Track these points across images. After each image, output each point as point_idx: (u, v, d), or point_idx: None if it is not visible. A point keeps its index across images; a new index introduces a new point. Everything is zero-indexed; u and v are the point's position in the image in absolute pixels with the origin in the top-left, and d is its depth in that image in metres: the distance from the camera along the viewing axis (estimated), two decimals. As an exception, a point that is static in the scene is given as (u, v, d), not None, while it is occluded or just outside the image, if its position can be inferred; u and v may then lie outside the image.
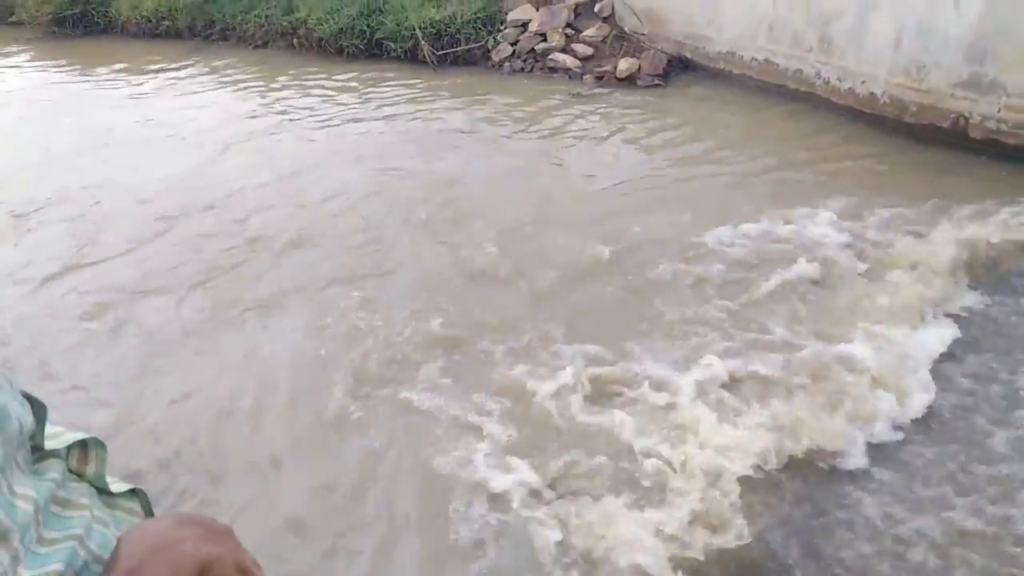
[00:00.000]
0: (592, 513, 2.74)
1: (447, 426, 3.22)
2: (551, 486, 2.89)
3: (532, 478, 2.90)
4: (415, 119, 7.12)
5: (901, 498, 2.79)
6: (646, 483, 2.87)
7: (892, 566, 2.53)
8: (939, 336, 3.58)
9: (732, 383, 3.34)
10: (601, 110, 7.00)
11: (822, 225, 4.55)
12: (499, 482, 2.89)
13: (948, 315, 3.73)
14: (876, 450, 3.01)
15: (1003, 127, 5.17)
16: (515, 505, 2.79)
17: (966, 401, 3.22)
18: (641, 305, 3.94)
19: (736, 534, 2.64)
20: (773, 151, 5.74)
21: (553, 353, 3.58)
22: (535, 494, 2.85)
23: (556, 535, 2.67)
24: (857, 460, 2.96)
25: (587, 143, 6.25)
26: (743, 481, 2.83)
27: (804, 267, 4.12)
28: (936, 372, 3.37)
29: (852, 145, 5.72)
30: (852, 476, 2.91)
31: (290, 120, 7.33)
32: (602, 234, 4.63)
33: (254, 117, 7.51)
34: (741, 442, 3.00)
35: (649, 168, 5.70)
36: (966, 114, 5.31)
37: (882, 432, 3.07)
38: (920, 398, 3.21)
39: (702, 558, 2.57)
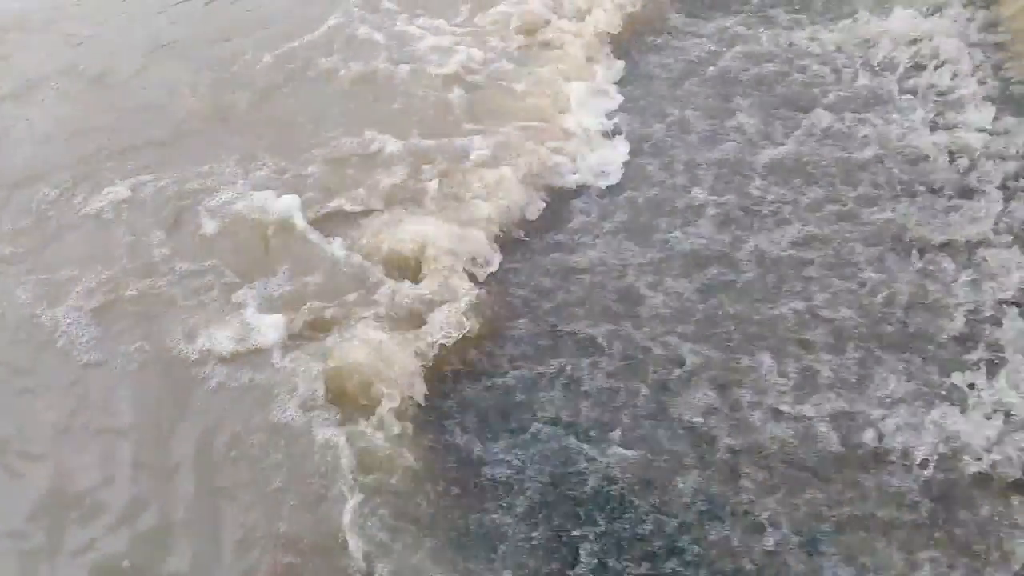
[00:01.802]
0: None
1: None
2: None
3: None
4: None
5: (622, 203, 3.93)
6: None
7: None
8: (608, 95, 4.73)
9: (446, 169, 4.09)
10: None
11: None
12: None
13: (614, 82, 4.83)
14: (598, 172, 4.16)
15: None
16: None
17: (642, 129, 4.41)
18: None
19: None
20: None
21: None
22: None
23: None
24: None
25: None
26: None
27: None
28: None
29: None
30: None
31: None
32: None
33: None
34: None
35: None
36: None
37: (601, 156, 4.22)
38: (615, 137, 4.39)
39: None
